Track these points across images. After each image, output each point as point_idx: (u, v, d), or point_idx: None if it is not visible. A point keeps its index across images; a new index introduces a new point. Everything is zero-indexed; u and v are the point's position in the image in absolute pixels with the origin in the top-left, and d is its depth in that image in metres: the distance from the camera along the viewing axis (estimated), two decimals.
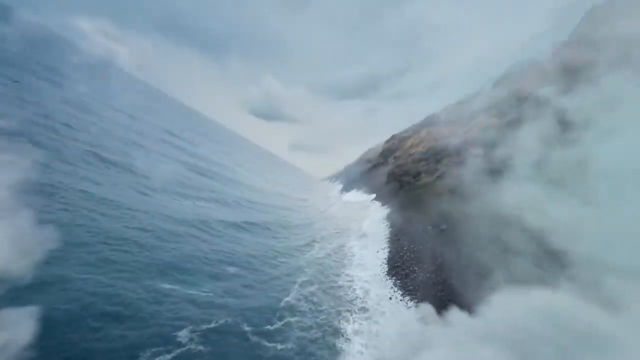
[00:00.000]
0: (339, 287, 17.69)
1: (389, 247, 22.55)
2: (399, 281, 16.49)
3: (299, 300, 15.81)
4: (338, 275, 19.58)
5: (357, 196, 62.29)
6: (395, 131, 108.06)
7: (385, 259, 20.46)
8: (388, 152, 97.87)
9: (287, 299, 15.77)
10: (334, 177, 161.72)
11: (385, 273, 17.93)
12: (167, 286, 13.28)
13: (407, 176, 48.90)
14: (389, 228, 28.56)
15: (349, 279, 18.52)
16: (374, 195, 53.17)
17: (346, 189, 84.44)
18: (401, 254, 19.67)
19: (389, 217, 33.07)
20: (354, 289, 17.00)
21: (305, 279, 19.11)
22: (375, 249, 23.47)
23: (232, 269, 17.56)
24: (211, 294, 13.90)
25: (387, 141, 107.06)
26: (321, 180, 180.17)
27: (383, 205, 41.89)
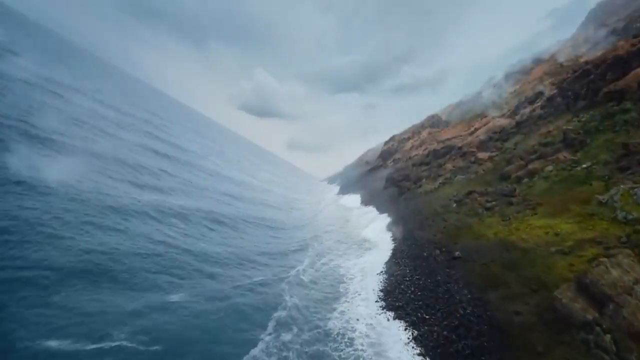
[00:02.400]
0: (330, 334, 13.41)
1: (388, 274, 18.33)
2: (406, 332, 12.27)
3: (270, 356, 11.74)
4: (329, 312, 15.31)
5: (354, 200, 58.77)
6: (395, 131, 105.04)
7: (382, 291, 16.24)
8: (387, 154, 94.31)
9: (252, 352, 11.74)
10: (333, 179, 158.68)
11: (387, 318, 13.68)
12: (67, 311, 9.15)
13: (407, 181, 45.13)
14: (389, 244, 24.59)
15: (344, 320, 14.27)
16: (371, 201, 49.43)
17: (343, 191, 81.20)
18: (402, 286, 15.48)
19: (388, 229, 29.24)
20: (352, 339, 12.78)
21: (283, 314, 14.98)
22: (375, 270, 19.54)
23: (177, 294, 13.02)
24: (133, 344, 9.45)
25: (386, 142, 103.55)
26: (320, 182, 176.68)
27: (382, 213, 38.07)
